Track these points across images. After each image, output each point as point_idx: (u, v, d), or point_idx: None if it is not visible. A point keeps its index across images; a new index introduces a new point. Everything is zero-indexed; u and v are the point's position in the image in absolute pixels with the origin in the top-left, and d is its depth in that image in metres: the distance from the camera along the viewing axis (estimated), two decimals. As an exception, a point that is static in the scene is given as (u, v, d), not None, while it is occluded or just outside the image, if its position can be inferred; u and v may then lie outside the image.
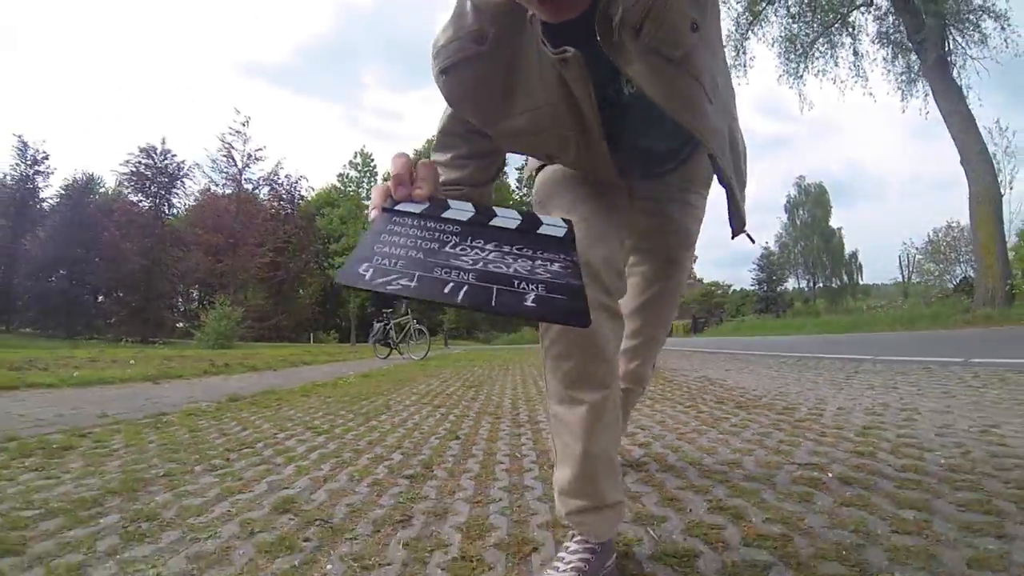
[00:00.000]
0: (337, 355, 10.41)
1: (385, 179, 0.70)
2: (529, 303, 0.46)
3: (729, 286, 59.00)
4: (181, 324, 31.02)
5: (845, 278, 53.91)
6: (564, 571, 0.79)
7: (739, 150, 0.91)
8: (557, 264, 0.53)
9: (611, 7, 0.64)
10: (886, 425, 1.92)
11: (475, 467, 1.59)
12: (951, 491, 1.15)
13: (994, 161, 11.49)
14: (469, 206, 0.60)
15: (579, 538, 0.84)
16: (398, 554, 0.96)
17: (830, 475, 1.34)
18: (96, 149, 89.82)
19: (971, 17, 13.26)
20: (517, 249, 0.55)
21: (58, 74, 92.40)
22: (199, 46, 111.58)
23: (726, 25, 18.31)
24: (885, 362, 4.38)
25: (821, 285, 53.68)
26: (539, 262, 0.52)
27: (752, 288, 51.13)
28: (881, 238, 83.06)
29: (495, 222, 0.59)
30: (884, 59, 13.74)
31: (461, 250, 0.52)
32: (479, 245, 0.54)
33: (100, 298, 30.33)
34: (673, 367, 5.47)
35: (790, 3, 16.58)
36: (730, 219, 0.86)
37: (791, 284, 57.25)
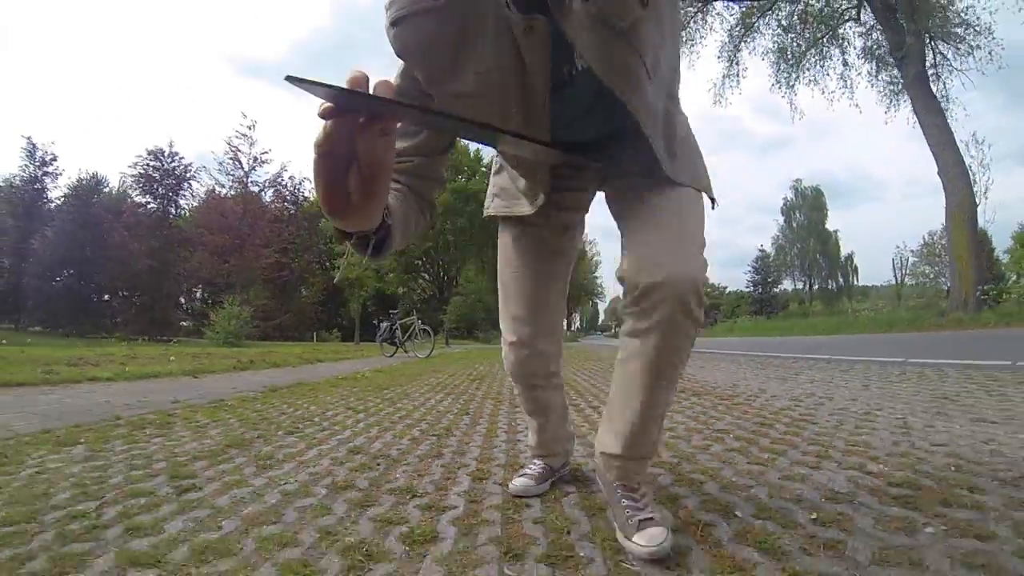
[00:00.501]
0: (345, 353, 10.99)
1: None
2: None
3: (725, 288, 59.40)
4: (185, 323, 31.62)
5: (841, 280, 54.60)
6: (529, 474, 1.31)
7: (675, 133, 0.90)
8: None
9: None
10: (799, 408, 2.51)
11: (483, 431, 2.18)
12: (802, 442, 1.75)
13: (970, 172, 12.08)
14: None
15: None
16: (437, 473, 1.54)
17: (731, 436, 1.93)
18: (96, 148, 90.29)
19: (956, 31, 13.89)
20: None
21: (57, 72, 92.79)
22: (197, 45, 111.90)
23: (719, 36, 18.94)
24: (837, 361, 4.97)
25: (817, 287, 54.30)
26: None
27: (747, 290, 51.63)
28: (882, 239, 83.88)
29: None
30: (869, 72, 14.35)
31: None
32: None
33: (107, 297, 30.90)
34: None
35: (781, 16, 17.22)
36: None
37: (788, 286, 57.85)
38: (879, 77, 14.25)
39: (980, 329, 9.10)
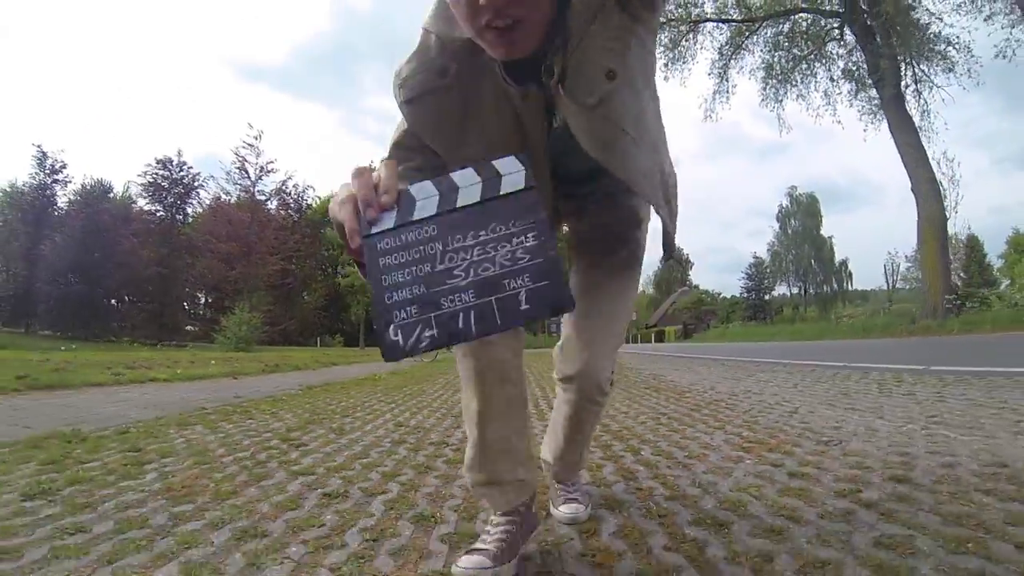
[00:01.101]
0: (355, 358, 11.75)
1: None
2: (523, 306, 0.55)
3: (719, 294, 60.13)
4: (190, 328, 32.41)
5: (836, 285, 55.48)
6: (483, 549, 0.91)
7: (668, 183, 0.95)
8: (531, 235, 0.58)
9: (548, 56, 0.75)
10: (735, 402, 3.26)
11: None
12: (714, 419, 2.51)
13: (941, 188, 12.88)
14: (431, 187, 0.62)
15: (496, 515, 0.98)
16: (458, 435, 2.29)
17: (667, 417, 2.68)
18: (97, 147, 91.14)
19: (937, 47, 14.73)
20: (492, 231, 0.58)
21: (58, 72, 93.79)
22: (198, 46, 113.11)
23: (709, 55, 19.79)
24: (792, 365, 5.73)
25: (813, 292, 55.16)
26: (516, 240, 0.58)
27: (741, 296, 52.39)
28: (880, 243, 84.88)
29: (461, 200, 0.61)
30: (849, 92, 15.20)
31: (450, 260, 0.58)
32: (460, 244, 0.58)
33: (115, 302, 31.67)
34: (634, 366, 6.82)
35: (769, 33, 18.05)
36: (663, 245, 0.96)
37: (783, 291, 58.73)
38: (858, 97, 15.08)
39: (944, 336, 9.87)
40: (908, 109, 13.85)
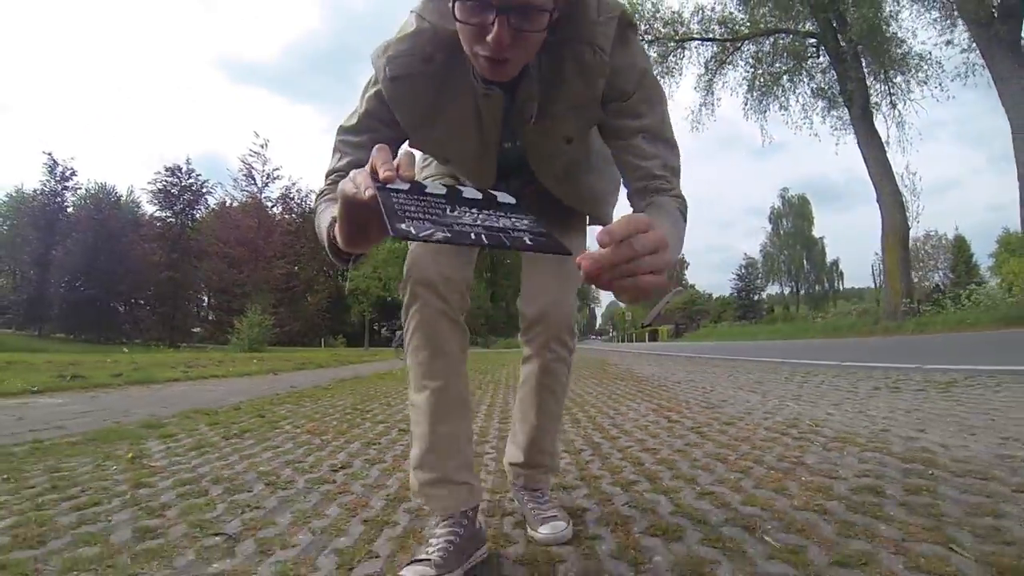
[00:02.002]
0: (365, 357, 12.82)
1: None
2: (528, 241, 0.60)
3: (710, 295, 61.28)
4: (196, 329, 33.46)
5: (827, 285, 56.77)
6: (427, 560, 0.90)
7: (607, 204, 1.16)
8: (526, 221, 0.65)
9: (521, 92, 0.87)
10: (671, 385, 4.34)
11: (500, 402, 4.01)
12: (657, 401, 3.60)
13: (904, 200, 14.02)
14: (440, 186, 0.68)
15: (441, 525, 0.97)
16: (492, 426, 3.37)
17: (624, 396, 3.76)
18: (97, 145, 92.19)
19: (911, 62, 15.84)
20: (493, 213, 0.65)
21: (60, 73, 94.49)
22: (196, 46, 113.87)
23: (696, 69, 20.94)
24: (739, 360, 6.83)
25: (804, 292, 56.43)
26: (513, 219, 0.64)
27: (732, 295, 53.54)
28: (876, 241, 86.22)
29: (465, 195, 0.67)
30: (822, 108, 16.34)
31: (458, 214, 0.62)
32: (466, 211, 0.64)
33: (125, 307, 32.71)
34: (614, 362, 7.92)
35: (751, 51, 19.16)
36: None
37: (775, 290, 59.95)
38: (831, 113, 16.23)
39: (899, 336, 10.99)
40: (876, 125, 14.98)
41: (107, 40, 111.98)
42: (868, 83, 15.68)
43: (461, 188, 0.68)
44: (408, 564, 0.91)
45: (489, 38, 0.72)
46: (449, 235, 0.57)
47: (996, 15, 11.39)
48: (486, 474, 1.67)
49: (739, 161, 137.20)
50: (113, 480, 1.63)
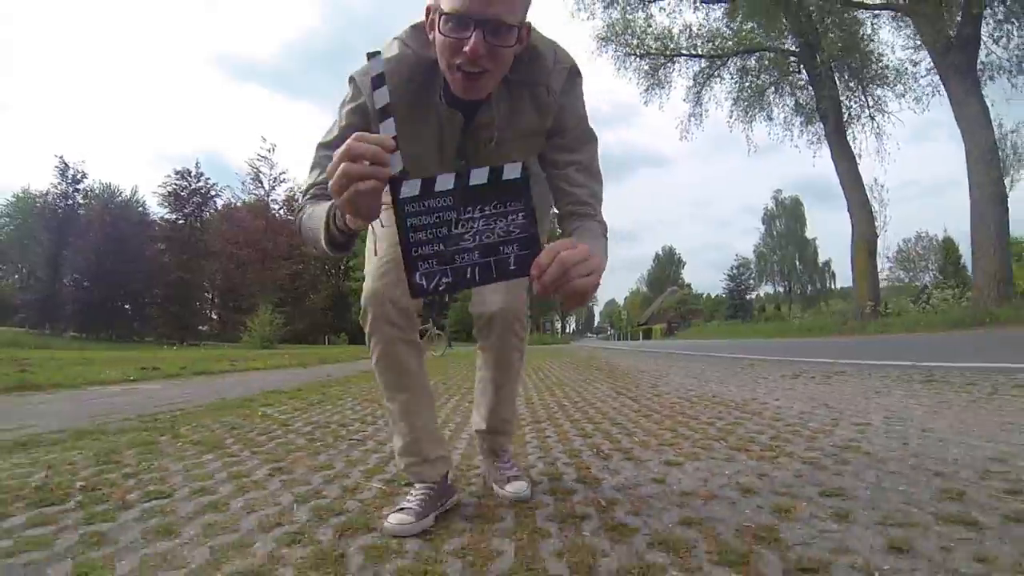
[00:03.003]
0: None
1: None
2: (512, 267, 0.76)
3: (704, 294, 62.44)
4: (202, 328, 34.51)
5: (819, 285, 57.99)
6: (407, 508, 1.14)
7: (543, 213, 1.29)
8: (521, 215, 0.76)
9: (481, 117, 1.03)
10: (634, 374, 5.42)
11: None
12: (620, 385, 4.69)
13: (873, 209, 15.13)
14: (449, 178, 0.79)
15: (418, 484, 1.21)
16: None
17: (596, 382, 4.85)
18: (98, 143, 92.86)
19: (889, 75, 16.93)
20: (493, 208, 0.76)
21: (59, 71, 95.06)
22: (197, 43, 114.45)
23: (685, 82, 22.02)
24: (710, 357, 7.93)
25: (798, 292, 57.69)
26: (510, 217, 0.76)
27: (723, 295, 54.68)
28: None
29: (473, 180, 0.78)
30: (800, 123, 17.48)
31: (462, 227, 0.75)
32: (470, 216, 0.76)
33: (133, 306, 33.69)
34: (601, 358, 9.02)
35: (736, 66, 20.23)
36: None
37: (769, 290, 61.18)
38: (807, 128, 17.36)
39: (859, 336, 12.10)
40: (849, 140, 16.10)
41: (108, 40, 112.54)
42: (847, 98, 16.76)
43: (470, 173, 0.80)
44: (392, 512, 1.13)
45: (466, 48, 0.86)
46: (451, 280, 0.76)
47: (953, 44, 12.48)
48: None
49: (736, 160, 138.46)
50: (268, 424, 2.70)
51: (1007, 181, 12.16)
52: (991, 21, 12.59)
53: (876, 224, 15.14)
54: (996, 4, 12.41)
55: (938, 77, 13.39)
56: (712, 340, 18.54)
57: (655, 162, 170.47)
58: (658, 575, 0.88)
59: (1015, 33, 12.56)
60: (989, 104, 12.43)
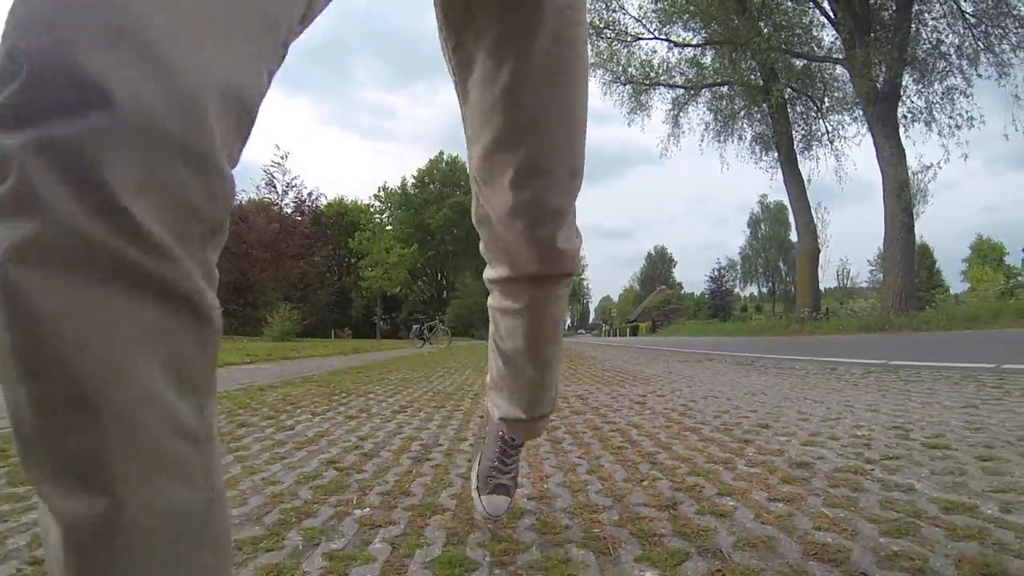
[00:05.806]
0: (386, 347, 16.35)
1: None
2: None
3: (690, 293, 65.16)
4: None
5: (801, 286, 60.78)
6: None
7: None
8: None
9: None
10: (604, 363, 7.90)
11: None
12: (590, 373, 7.21)
13: (817, 228, 17.71)
14: None
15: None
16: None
17: (581, 375, 7.34)
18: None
19: (845, 105, 19.49)
20: None
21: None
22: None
23: (664, 105, 24.51)
24: (664, 350, 10.45)
25: (781, 292, 60.54)
26: None
27: (706, 294, 57.39)
28: (868, 239, 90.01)
29: None
30: (760, 150, 20.07)
31: None
32: None
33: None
34: (589, 354, 11.51)
35: (710, 95, 22.73)
36: None
37: (754, 290, 63.97)
38: (767, 154, 19.94)
39: (793, 336, 14.65)
40: (800, 167, 18.69)
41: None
42: (807, 122, 19.31)
43: None
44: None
45: None
46: None
47: (879, 96, 15.03)
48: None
49: (734, 159, 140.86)
50: (387, 382, 5.14)
51: (914, 212, 14.73)
52: (909, 81, 15.17)
53: (819, 240, 17.70)
54: (913, 65, 14.97)
55: (866, 124, 15.97)
56: (684, 337, 21.11)
57: (652, 159, 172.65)
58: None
59: (927, 90, 15.15)
60: (910, 144, 15.05)
